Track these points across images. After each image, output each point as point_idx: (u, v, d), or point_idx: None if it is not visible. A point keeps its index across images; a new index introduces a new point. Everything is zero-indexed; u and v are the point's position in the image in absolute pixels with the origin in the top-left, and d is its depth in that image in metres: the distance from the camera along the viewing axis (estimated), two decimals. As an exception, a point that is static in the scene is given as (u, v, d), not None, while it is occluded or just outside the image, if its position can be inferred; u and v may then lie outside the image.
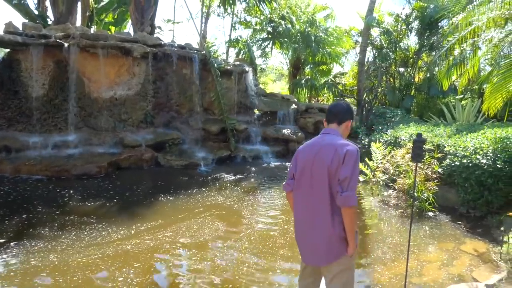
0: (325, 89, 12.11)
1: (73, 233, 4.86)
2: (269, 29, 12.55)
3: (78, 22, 11.69)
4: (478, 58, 5.79)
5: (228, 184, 7.29)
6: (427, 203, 6.12)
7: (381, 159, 7.52)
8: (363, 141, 8.75)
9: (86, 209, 5.80)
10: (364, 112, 9.73)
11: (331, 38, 11.93)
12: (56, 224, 5.11)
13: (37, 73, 8.05)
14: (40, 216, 5.37)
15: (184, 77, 9.37)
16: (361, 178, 7.65)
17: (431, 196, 6.12)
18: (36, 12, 11.59)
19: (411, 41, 12.21)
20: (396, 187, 6.67)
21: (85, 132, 8.38)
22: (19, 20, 9.82)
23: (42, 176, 7.05)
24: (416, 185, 6.33)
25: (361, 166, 7.63)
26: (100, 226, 5.13)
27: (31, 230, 4.87)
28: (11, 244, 4.38)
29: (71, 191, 6.52)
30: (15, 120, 7.99)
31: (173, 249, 4.55)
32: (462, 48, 5.87)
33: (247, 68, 10.10)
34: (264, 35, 13.11)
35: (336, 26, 12.80)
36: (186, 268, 4.09)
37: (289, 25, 12.04)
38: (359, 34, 12.00)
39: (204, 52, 9.56)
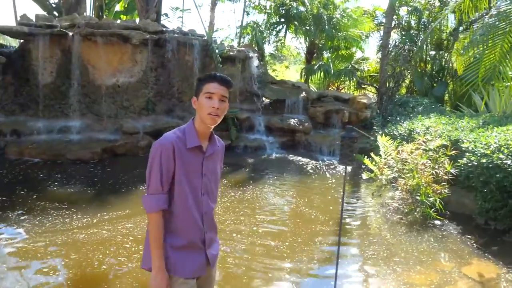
0: (343, 75, 11.02)
1: (37, 218, 4.79)
2: (283, 12, 11.73)
3: (92, 13, 12.09)
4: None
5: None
6: (432, 210, 5.14)
7: (389, 154, 6.56)
8: (376, 134, 7.75)
9: (63, 194, 5.75)
10: (383, 101, 8.62)
11: (345, 20, 10.73)
12: (25, 208, 5.07)
13: (45, 62, 8.28)
14: (15, 199, 5.39)
15: (186, 64, 9.06)
16: (364, 176, 6.75)
17: (438, 201, 5.13)
18: (53, 5, 12.25)
19: (449, 20, 10.57)
20: (399, 187, 5.73)
21: (88, 118, 8.49)
22: (39, 12, 10.50)
23: (40, 159, 7.26)
24: (421, 187, 5.37)
25: (367, 162, 6.74)
26: (67, 212, 5.03)
27: (-1, 212, 4.90)
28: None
29: (60, 175, 6.55)
30: (26, 106, 8.36)
31: (123, 243, 4.27)
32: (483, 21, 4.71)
33: (251, 54, 9.47)
34: (277, 19, 12.32)
35: (357, 7, 11.54)
36: (117, 264, 3.77)
37: (301, 7, 11.11)
38: (384, 15, 10.66)
39: (205, 38, 9.14)
